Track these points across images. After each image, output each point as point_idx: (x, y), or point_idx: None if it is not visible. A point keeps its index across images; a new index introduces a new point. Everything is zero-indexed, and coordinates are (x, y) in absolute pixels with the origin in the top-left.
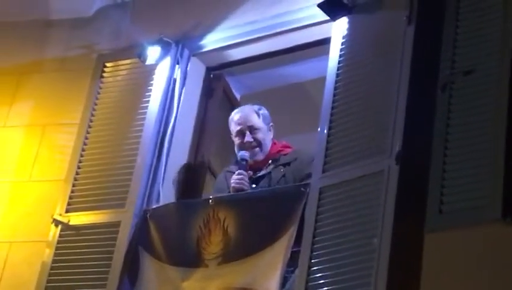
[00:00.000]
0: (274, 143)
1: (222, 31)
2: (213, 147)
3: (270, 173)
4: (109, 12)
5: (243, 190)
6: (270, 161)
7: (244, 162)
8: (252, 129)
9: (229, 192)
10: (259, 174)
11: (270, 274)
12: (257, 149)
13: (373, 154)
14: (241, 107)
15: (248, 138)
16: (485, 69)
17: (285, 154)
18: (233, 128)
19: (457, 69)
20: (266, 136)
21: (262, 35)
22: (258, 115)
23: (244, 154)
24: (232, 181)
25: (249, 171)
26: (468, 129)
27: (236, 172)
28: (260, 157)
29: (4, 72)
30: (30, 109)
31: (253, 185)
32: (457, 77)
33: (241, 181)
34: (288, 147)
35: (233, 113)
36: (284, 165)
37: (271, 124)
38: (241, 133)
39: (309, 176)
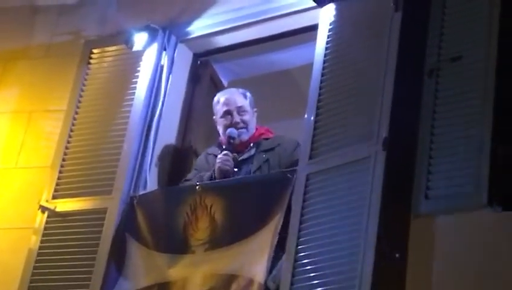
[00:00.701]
0: (257, 127)
1: (209, 18)
2: (200, 133)
3: (252, 156)
4: None
5: (227, 170)
6: (251, 144)
7: (232, 140)
8: (240, 110)
9: (213, 174)
10: (241, 158)
11: (257, 260)
12: (244, 130)
13: (360, 141)
14: (227, 89)
15: (236, 118)
16: (472, 55)
17: (266, 138)
18: (220, 108)
19: (444, 56)
20: (252, 119)
21: (250, 21)
22: (245, 97)
23: (233, 131)
24: (217, 160)
25: (234, 154)
26: (455, 115)
27: (223, 152)
28: (245, 137)
29: None
30: (16, 95)
31: (235, 169)
32: (444, 63)
33: (226, 162)
34: (270, 132)
35: (219, 95)
36: (267, 150)
37: (255, 109)
38: (228, 114)
39: (297, 163)
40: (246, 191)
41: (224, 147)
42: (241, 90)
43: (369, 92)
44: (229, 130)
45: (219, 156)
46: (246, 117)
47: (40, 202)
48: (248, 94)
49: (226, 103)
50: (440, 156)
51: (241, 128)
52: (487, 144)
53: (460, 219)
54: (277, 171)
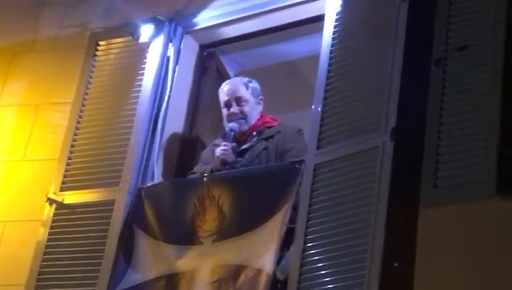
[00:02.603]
0: (261, 116)
1: (215, 9)
2: (207, 124)
3: (254, 145)
4: None
5: (225, 160)
6: (254, 133)
7: (232, 133)
8: (240, 101)
9: (213, 167)
10: (243, 147)
11: (266, 251)
12: (242, 121)
13: (368, 131)
14: (232, 78)
15: (234, 109)
16: (479, 44)
17: (269, 127)
18: (221, 98)
19: (451, 45)
20: (253, 109)
21: (256, 12)
22: (247, 87)
23: (234, 125)
24: (216, 152)
25: (233, 143)
26: (463, 104)
27: (222, 144)
28: (244, 127)
29: None
30: (23, 88)
31: (239, 159)
32: (451, 52)
33: (225, 151)
34: (275, 120)
35: (223, 84)
36: (267, 138)
37: (260, 97)
38: (228, 104)
39: (290, 150)
40: (253, 182)
41: (222, 139)
42: (246, 79)
43: (376, 82)
44: (229, 125)
45: (218, 148)
46: (245, 108)
47: (47, 194)
48: (251, 84)
49: (226, 93)
50: (448, 145)
51: (240, 118)
52: (495, 133)
53: (469, 208)
54: (285, 162)
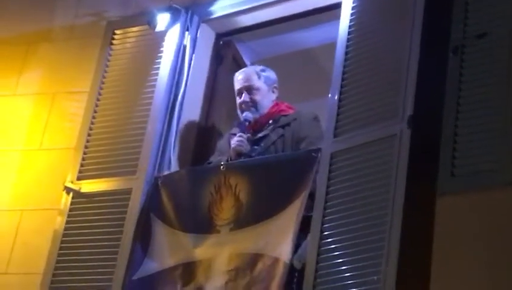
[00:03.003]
0: (276, 104)
1: None
2: (223, 113)
3: (270, 133)
4: None
5: (241, 151)
6: (270, 122)
7: (246, 123)
8: (251, 89)
9: (229, 157)
10: (259, 135)
11: (282, 239)
12: (252, 109)
13: (385, 119)
14: (246, 68)
15: (245, 97)
16: (498, 32)
17: (285, 115)
18: (235, 87)
19: (469, 33)
20: (265, 97)
21: (272, 0)
22: (259, 76)
23: (248, 115)
24: (232, 143)
25: (248, 134)
26: (480, 92)
27: (237, 134)
28: (256, 116)
29: (13, 41)
30: (40, 77)
31: (255, 147)
32: (469, 40)
33: (240, 143)
34: (290, 108)
35: (236, 74)
36: (283, 126)
37: (274, 85)
38: (240, 93)
39: (306, 138)
40: (270, 170)
41: (238, 128)
42: (259, 67)
43: (393, 70)
44: (243, 114)
45: (234, 138)
46: (257, 96)
47: (64, 183)
48: (264, 72)
49: (238, 83)
50: (466, 133)
51: (250, 107)
52: None
53: (486, 196)
54: (302, 150)
